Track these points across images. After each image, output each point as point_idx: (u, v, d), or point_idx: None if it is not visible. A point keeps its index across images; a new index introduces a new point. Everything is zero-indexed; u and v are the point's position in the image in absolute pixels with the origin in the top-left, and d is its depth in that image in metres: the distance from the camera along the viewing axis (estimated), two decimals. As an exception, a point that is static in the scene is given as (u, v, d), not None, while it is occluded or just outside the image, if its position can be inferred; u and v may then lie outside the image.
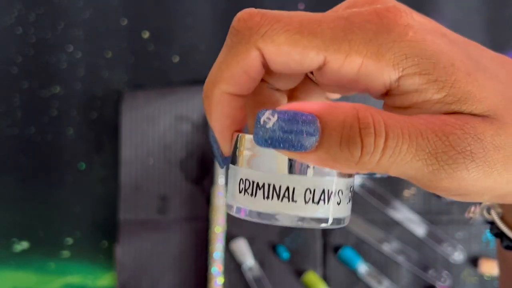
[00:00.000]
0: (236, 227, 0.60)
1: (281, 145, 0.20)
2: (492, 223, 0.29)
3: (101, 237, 0.62)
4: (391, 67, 0.22)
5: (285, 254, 0.59)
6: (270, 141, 0.20)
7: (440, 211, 0.59)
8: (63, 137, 0.63)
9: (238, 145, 0.24)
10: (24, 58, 0.63)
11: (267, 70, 0.24)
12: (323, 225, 0.23)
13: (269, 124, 0.20)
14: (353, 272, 0.59)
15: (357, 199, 0.60)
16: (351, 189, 0.24)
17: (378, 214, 0.59)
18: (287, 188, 0.22)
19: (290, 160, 0.23)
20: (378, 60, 0.22)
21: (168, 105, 0.61)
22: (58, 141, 0.63)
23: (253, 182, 0.23)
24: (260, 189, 0.23)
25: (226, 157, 0.26)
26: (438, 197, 0.59)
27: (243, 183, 0.23)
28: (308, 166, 0.23)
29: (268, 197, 0.23)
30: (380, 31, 0.22)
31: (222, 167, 0.27)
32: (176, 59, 0.63)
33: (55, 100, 0.63)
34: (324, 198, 0.23)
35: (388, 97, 0.23)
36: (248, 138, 0.24)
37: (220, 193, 0.59)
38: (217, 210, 0.59)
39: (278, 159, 0.23)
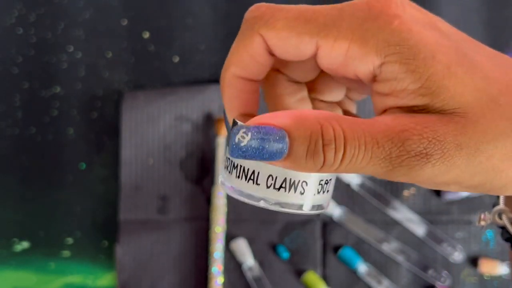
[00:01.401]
0: (236, 227, 0.60)
1: (254, 158, 0.23)
2: (503, 228, 0.29)
3: (101, 237, 0.62)
4: (374, 53, 0.23)
5: (285, 254, 0.59)
6: (244, 155, 0.22)
7: (440, 211, 0.59)
8: (63, 137, 0.63)
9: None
10: (25, 58, 0.63)
11: (281, 61, 0.27)
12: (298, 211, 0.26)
13: (244, 143, 0.22)
14: (353, 272, 0.59)
15: (357, 199, 0.60)
16: (327, 181, 0.27)
17: (378, 214, 0.59)
18: (269, 176, 0.25)
19: None
20: (363, 45, 0.23)
21: (168, 105, 0.61)
22: (58, 141, 0.63)
23: (238, 165, 0.26)
24: (244, 172, 0.26)
25: None
26: (438, 196, 0.59)
27: (231, 163, 0.26)
28: None
29: (250, 181, 0.25)
30: (367, 19, 0.23)
31: None
32: (176, 59, 0.63)
33: (56, 100, 0.63)
34: (296, 187, 0.25)
35: (374, 83, 0.24)
36: (238, 125, 0.26)
37: (220, 193, 0.59)
38: (217, 210, 0.59)
39: None
